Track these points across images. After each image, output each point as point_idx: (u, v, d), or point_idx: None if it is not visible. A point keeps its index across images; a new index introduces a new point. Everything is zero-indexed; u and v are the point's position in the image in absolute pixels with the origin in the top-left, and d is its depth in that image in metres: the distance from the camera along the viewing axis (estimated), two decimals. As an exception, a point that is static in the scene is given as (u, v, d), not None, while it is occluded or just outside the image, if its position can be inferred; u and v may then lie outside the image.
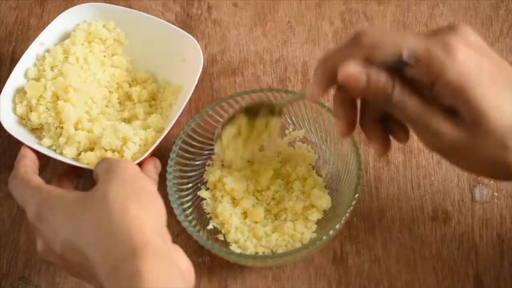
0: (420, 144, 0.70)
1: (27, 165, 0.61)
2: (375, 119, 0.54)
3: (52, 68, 0.72)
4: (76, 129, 0.68)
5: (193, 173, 0.68)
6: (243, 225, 0.65)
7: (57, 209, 0.53)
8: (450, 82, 0.48)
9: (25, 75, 0.72)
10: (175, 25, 0.75)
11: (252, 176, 0.67)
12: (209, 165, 0.69)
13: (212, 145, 0.69)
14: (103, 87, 0.73)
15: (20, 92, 0.71)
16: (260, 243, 0.64)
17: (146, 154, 0.66)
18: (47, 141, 0.69)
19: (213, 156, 0.69)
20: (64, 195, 0.54)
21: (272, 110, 0.64)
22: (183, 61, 0.74)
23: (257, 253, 0.63)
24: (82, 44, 0.74)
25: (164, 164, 0.65)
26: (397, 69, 0.49)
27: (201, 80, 0.73)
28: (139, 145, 0.67)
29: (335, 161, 0.67)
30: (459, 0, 0.81)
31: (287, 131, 0.70)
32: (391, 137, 0.55)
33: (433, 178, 0.69)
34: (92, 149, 0.68)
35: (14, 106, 0.71)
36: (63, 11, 0.75)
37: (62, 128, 0.69)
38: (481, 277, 0.63)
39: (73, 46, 0.73)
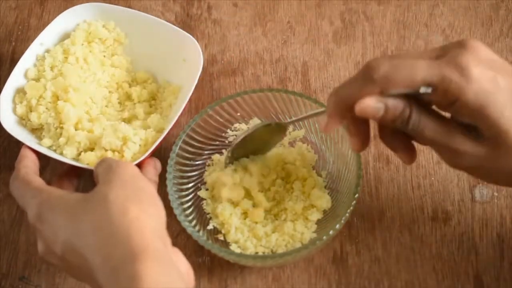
0: (420, 144, 0.70)
1: (28, 166, 0.61)
2: (396, 130, 0.54)
3: (52, 68, 0.72)
4: (76, 129, 0.68)
5: (193, 173, 0.68)
6: (243, 225, 0.65)
7: (58, 210, 0.53)
8: (468, 104, 0.48)
9: (25, 75, 0.72)
10: (175, 25, 0.75)
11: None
12: (209, 165, 0.69)
13: (212, 145, 0.69)
14: (103, 87, 0.73)
15: (20, 92, 0.71)
16: (260, 243, 0.64)
17: (146, 154, 0.66)
18: (47, 141, 0.69)
19: (212, 156, 0.69)
20: (65, 196, 0.54)
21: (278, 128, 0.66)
22: (183, 61, 0.74)
23: (257, 253, 0.63)
24: (82, 44, 0.74)
25: (164, 164, 0.65)
26: (413, 95, 0.50)
27: (201, 80, 0.73)
28: (139, 145, 0.67)
29: (335, 161, 0.67)
30: (459, 0, 0.81)
31: (287, 131, 0.70)
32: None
33: (433, 178, 0.69)
34: (92, 149, 0.68)
35: (14, 106, 0.71)
36: (63, 11, 0.75)
37: (62, 128, 0.69)
38: (481, 277, 0.63)
39: (73, 46, 0.73)
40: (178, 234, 0.66)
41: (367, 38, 0.79)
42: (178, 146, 0.65)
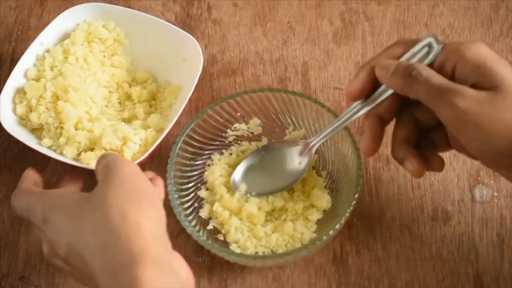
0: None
1: (29, 182, 0.60)
2: (408, 141, 0.56)
3: (52, 68, 0.72)
4: (76, 129, 0.68)
5: (193, 173, 0.68)
6: (243, 225, 0.65)
7: (60, 211, 0.52)
8: (472, 60, 0.51)
9: (25, 75, 0.72)
10: (175, 25, 0.75)
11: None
12: (209, 165, 0.69)
13: (212, 145, 0.69)
14: (103, 87, 0.73)
15: (20, 92, 0.71)
16: (260, 243, 0.64)
17: (146, 154, 0.66)
18: (47, 141, 0.69)
19: (213, 156, 0.69)
20: (66, 196, 0.54)
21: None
22: (183, 61, 0.74)
23: (257, 253, 0.63)
24: (82, 44, 0.74)
25: (164, 164, 0.65)
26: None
27: (201, 80, 0.73)
28: (139, 145, 0.67)
29: (335, 161, 0.67)
30: (459, 0, 0.81)
31: (287, 131, 0.70)
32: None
33: (433, 178, 0.69)
34: (92, 149, 0.68)
35: (14, 106, 0.71)
36: (63, 11, 0.75)
37: (62, 128, 0.69)
38: (481, 277, 0.63)
39: (73, 46, 0.73)
40: (178, 234, 0.66)
41: (367, 38, 0.79)
42: (178, 146, 0.65)
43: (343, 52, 0.78)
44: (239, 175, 0.66)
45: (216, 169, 0.68)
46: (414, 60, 0.54)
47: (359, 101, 0.58)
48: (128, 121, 0.71)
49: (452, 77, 0.53)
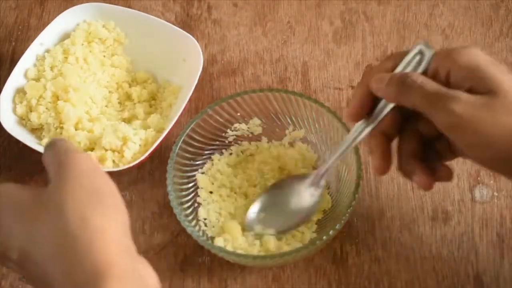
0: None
1: None
2: (414, 155, 0.56)
3: (52, 68, 0.72)
4: (76, 129, 0.69)
5: (193, 173, 0.68)
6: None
7: (11, 209, 0.46)
8: (466, 65, 0.51)
9: (25, 75, 0.72)
10: (175, 25, 0.75)
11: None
12: (204, 171, 0.69)
13: (212, 145, 0.69)
14: (103, 87, 0.73)
15: (20, 92, 0.71)
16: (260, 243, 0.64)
17: (146, 154, 0.66)
18: (47, 141, 0.69)
19: (213, 156, 0.69)
20: (18, 192, 0.47)
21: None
22: (183, 61, 0.74)
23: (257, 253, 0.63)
24: (82, 44, 0.74)
25: (164, 164, 0.65)
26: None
27: (201, 80, 0.73)
28: (139, 145, 0.67)
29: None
30: (459, 0, 0.81)
31: (287, 131, 0.70)
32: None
33: (433, 178, 0.69)
34: (92, 149, 0.68)
35: (14, 106, 0.71)
36: (63, 11, 0.75)
37: (62, 128, 0.69)
38: (481, 277, 0.63)
39: (73, 46, 0.73)
40: (178, 234, 0.67)
41: (367, 38, 0.79)
42: (178, 146, 0.65)
43: (343, 52, 0.78)
44: (253, 216, 0.65)
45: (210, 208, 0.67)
46: (408, 70, 0.54)
47: (361, 121, 0.57)
48: (128, 121, 0.71)
49: (447, 84, 0.52)
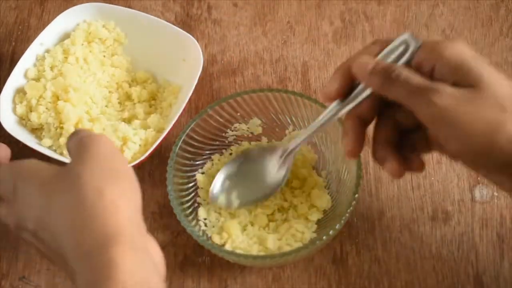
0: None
1: None
2: (388, 142, 0.55)
3: (52, 68, 0.72)
4: (76, 129, 0.69)
5: (193, 173, 0.68)
6: (243, 226, 0.65)
7: (31, 182, 0.49)
8: (451, 59, 0.51)
9: (25, 75, 0.72)
10: (175, 25, 0.75)
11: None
12: (205, 171, 0.69)
13: (212, 145, 0.69)
14: (103, 87, 0.73)
15: (20, 92, 0.71)
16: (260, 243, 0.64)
17: (146, 154, 0.66)
18: (47, 141, 0.69)
19: (213, 156, 0.69)
20: (38, 167, 0.51)
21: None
22: (183, 61, 0.74)
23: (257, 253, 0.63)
24: (82, 44, 0.74)
25: (164, 164, 0.65)
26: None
27: (201, 80, 0.73)
28: (139, 145, 0.67)
29: (335, 161, 0.67)
30: (459, 0, 0.81)
31: (287, 131, 0.70)
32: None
33: (433, 178, 0.69)
34: (92, 149, 0.68)
35: (14, 106, 0.71)
36: (63, 11, 0.75)
37: (62, 128, 0.69)
38: (481, 277, 0.63)
39: (73, 46, 0.73)
40: (178, 234, 0.67)
41: (367, 38, 0.79)
42: (178, 146, 0.65)
43: (343, 52, 0.78)
44: (217, 187, 0.65)
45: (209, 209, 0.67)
46: (391, 58, 0.54)
47: (337, 102, 0.56)
48: (128, 121, 0.71)
49: (430, 77, 0.52)
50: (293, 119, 0.69)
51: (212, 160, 0.69)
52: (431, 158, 0.70)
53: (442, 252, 0.65)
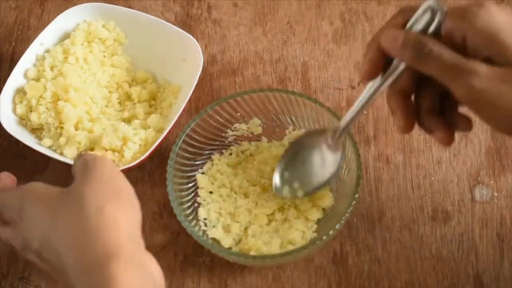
0: (420, 144, 0.71)
1: (4, 184, 0.57)
2: (433, 111, 0.54)
3: (52, 68, 0.72)
4: (76, 129, 0.69)
5: (193, 173, 0.68)
6: (243, 226, 0.65)
7: (36, 203, 0.51)
8: (482, 31, 0.48)
9: (25, 75, 0.72)
10: (175, 25, 0.75)
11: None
12: (205, 169, 0.69)
13: (212, 145, 0.69)
14: (103, 87, 0.73)
15: (20, 92, 0.71)
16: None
17: (146, 154, 0.66)
18: (47, 141, 0.69)
19: (213, 156, 0.69)
20: (45, 189, 0.53)
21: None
22: (183, 61, 0.74)
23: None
24: (82, 44, 0.74)
25: (164, 164, 0.65)
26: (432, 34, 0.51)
27: (201, 80, 0.73)
28: (139, 145, 0.67)
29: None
30: (459, 0, 0.81)
31: (287, 131, 0.70)
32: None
33: (433, 178, 0.69)
34: (92, 149, 0.68)
35: (14, 106, 0.71)
36: (63, 11, 0.75)
37: (62, 128, 0.69)
38: (481, 277, 0.63)
39: (73, 46, 0.73)
40: (178, 234, 0.67)
41: (367, 38, 0.78)
42: (178, 146, 0.65)
43: (343, 52, 0.78)
44: (278, 180, 0.65)
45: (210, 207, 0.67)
46: (419, 27, 0.51)
47: (375, 79, 0.54)
48: (128, 121, 0.71)
49: (463, 47, 0.50)
50: (293, 119, 0.69)
51: (212, 160, 0.69)
52: (431, 158, 0.70)
53: (442, 252, 0.65)
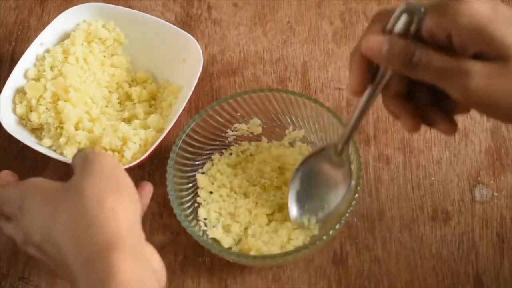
0: (420, 144, 0.71)
1: (5, 180, 0.58)
2: (431, 103, 0.53)
3: (52, 68, 0.72)
4: (76, 129, 0.69)
5: (193, 173, 0.68)
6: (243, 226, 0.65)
7: (37, 197, 0.51)
8: (468, 27, 0.46)
9: (25, 75, 0.72)
10: (175, 25, 0.75)
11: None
12: (206, 170, 0.69)
13: (212, 145, 0.69)
14: (103, 87, 0.73)
15: (20, 92, 0.71)
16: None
17: (146, 154, 0.66)
18: (47, 141, 0.69)
19: (213, 156, 0.69)
20: (45, 184, 0.53)
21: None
22: (183, 61, 0.74)
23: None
24: (82, 44, 0.74)
25: (164, 164, 0.65)
26: (414, 35, 0.49)
27: (201, 80, 0.73)
28: (139, 145, 0.67)
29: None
30: None
31: (287, 131, 0.70)
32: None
33: (433, 178, 0.69)
34: (92, 149, 0.68)
35: (14, 106, 0.71)
36: (63, 11, 0.75)
37: (62, 128, 0.69)
38: (481, 277, 0.63)
39: (73, 46, 0.73)
40: (178, 234, 0.67)
41: (367, 38, 0.78)
42: (178, 146, 0.65)
43: (343, 52, 0.78)
44: (295, 211, 0.64)
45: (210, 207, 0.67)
46: (399, 28, 0.48)
47: (367, 90, 0.53)
48: (128, 121, 0.71)
49: (449, 45, 0.48)
50: (293, 119, 0.69)
51: (212, 160, 0.69)
52: (431, 158, 0.70)
53: (442, 252, 0.65)
